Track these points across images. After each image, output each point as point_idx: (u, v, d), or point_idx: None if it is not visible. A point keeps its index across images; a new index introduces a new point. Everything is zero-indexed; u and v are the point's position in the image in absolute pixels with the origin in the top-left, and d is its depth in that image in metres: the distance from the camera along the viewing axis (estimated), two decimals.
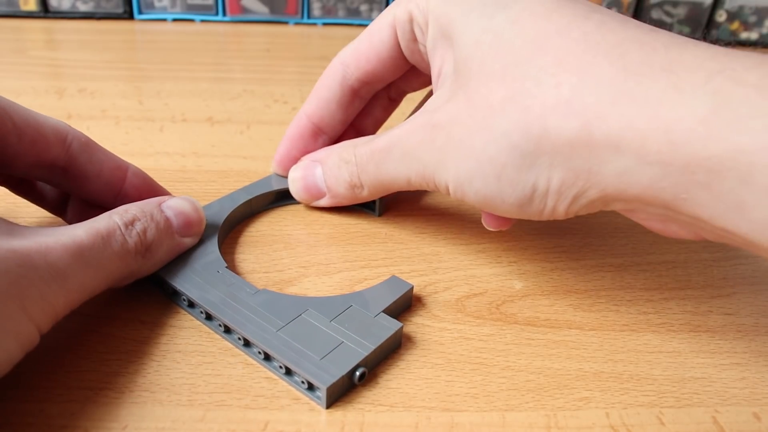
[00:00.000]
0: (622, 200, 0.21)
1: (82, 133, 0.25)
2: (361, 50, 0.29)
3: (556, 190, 0.21)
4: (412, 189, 0.26)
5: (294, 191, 0.30)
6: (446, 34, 0.24)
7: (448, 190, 0.24)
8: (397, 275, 0.25)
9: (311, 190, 0.30)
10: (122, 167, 0.26)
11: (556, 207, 0.22)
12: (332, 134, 0.31)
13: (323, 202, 0.30)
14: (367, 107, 0.32)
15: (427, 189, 0.25)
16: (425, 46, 0.26)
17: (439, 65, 0.25)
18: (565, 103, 0.20)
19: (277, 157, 0.32)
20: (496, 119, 0.21)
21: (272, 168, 0.32)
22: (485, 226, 0.27)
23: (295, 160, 0.31)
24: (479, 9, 0.23)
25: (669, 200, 0.19)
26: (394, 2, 0.27)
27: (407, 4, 0.26)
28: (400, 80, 0.31)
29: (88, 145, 0.25)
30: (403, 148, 0.25)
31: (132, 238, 0.22)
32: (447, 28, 0.24)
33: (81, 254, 0.20)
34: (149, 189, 0.26)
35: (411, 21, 0.26)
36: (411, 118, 0.25)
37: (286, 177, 0.31)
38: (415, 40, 0.27)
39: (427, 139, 0.24)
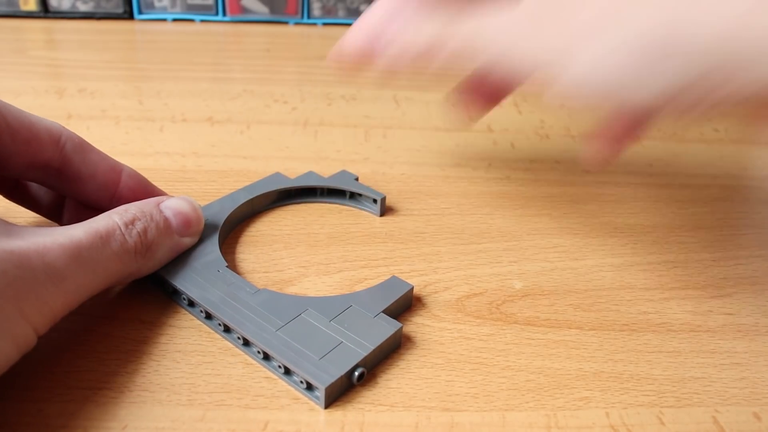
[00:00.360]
0: None
1: (76, 134, 0.25)
2: None
3: (704, 81, 0.19)
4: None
5: (352, 37, 0.25)
6: None
7: (564, 78, 0.21)
8: (397, 275, 0.25)
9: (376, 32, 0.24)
10: (116, 169, 0.26)
11: (701, 101, 0.19)
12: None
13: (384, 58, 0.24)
14: None
15: (529, 79, 0.22)
16: None
17: None
18: None
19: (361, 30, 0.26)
20: None
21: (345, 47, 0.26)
22: (589, 159, 0.24)
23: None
24: None
25: None
26: None
27: None
28: None
29: (82, 146, 0.25)
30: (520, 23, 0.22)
31: (132, 238, 0.22)
32: None
33: (79, 255, 0.20)
34: (144, 191, 0.26)
35: None
36: None
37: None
38: None
39: (541, 19, 0.21)
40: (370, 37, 0.25)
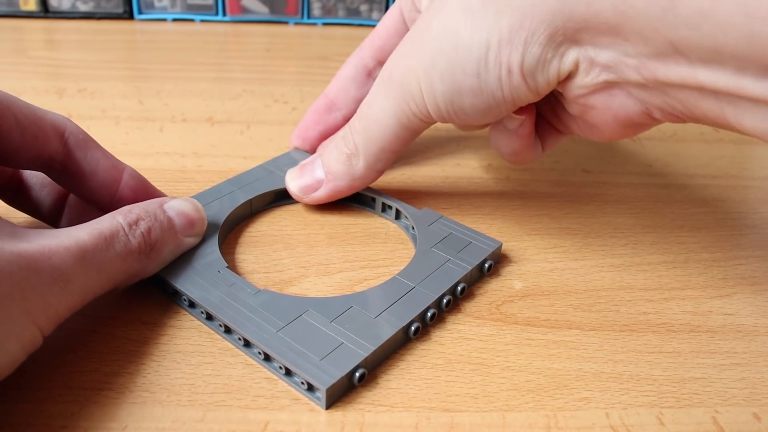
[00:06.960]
0: (574, 42, 0.20)
1: (81, 130, 0.25)
2: (375, 31, 0.32)
3: (506, 39, 0.21)
4: (402, 137, 0.26)
5: (291, 184, 0.30)
6: None
7: (422, 96, 0.24)
8: (398, 277, 0.25)
9: (307, 178, 0.30)
10: (118, 168, 0.26)
11: (511, 65, 0.21)
12: (345, 110, 0.33)
13: (320, 192, 0.29)
14: None
15: (412, 115, 0.25)
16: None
17: None
18: None
19: (296, 130, 0.34)
20: None
21: (291, 141, 0.35)
22: (507, 160, 0.28)
23: (310, 131, 0.33)
24: None
25: (612, 20, 0.19)
26: None
27: None
28: None
29: (86, 142, 0.25)
30: (389, 71, 0.25)
31: (135, 238, 0.22)
32: None
33: (84, 257, 0.20)
34: (145, 192, 0.26)
35: None
36: None
37: (303, 149, 0.34)
38: (417, 10, 0.28)
39: (401, 45, 0.24)
40: (300, 180, 0.30)
